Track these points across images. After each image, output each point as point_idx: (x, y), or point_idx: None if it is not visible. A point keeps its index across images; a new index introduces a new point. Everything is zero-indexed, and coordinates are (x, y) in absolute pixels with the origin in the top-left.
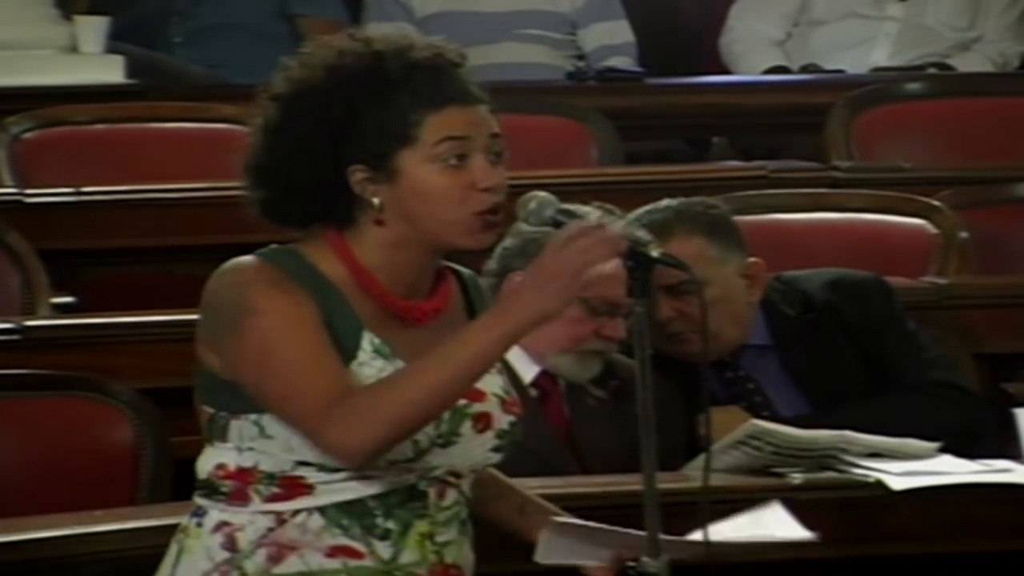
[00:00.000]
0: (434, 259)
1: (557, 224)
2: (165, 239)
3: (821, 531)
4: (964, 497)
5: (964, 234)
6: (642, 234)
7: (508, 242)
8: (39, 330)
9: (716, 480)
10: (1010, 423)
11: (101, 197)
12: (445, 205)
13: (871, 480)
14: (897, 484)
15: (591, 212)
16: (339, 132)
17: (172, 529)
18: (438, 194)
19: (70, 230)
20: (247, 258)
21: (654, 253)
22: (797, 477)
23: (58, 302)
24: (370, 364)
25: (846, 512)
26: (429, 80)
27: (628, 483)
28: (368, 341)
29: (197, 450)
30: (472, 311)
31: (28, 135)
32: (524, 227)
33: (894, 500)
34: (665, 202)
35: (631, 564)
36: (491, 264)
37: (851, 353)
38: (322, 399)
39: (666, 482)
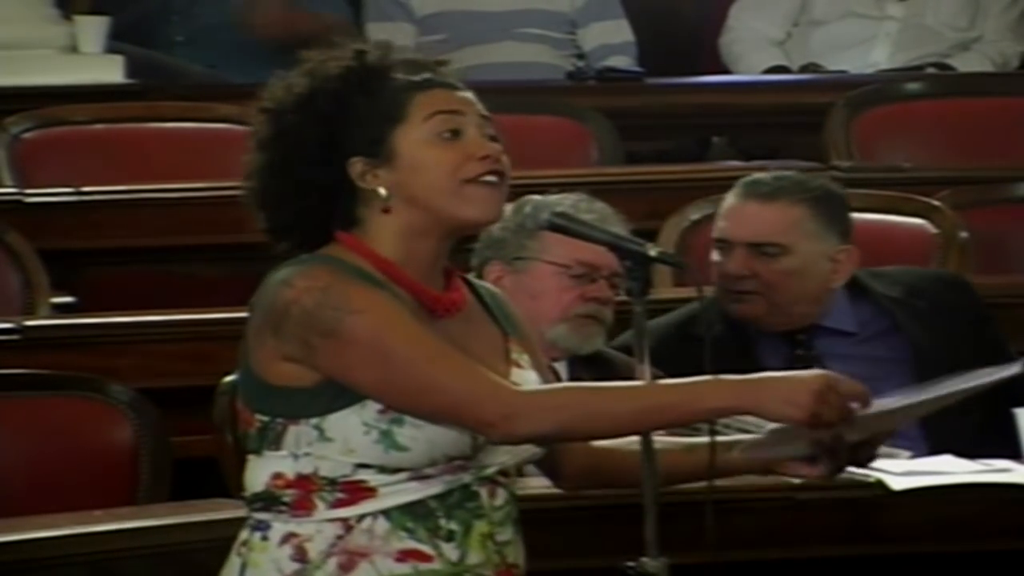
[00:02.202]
0: (445, 245)
1: (554, 227)
2: (165, 239)
3: (821, 531)
4: (964, 497)
5: (964, 234)
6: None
7: (483, 235)
8: (39, 330)
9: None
10: (1010, 423)
11: (101, 197)
12: (442, 176)
13: (871, 480)
14: (897, 484)
15: (592, 211)
16: (329, 126)
17: (172, 529)
18: (434, 166)
19: (70, 230)
20: (306, 265)
21: (651, 252)
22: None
23: (58, 302)
24: None
25: (846, 512)
26: (411, 69)
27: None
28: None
29: (197, 450)
30: (492, 315)
31: (28, 135)
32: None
33: (894, 500)
34: (793, 172)
35: (630, 564)
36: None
37: (966, 343)
38: (474, 380)
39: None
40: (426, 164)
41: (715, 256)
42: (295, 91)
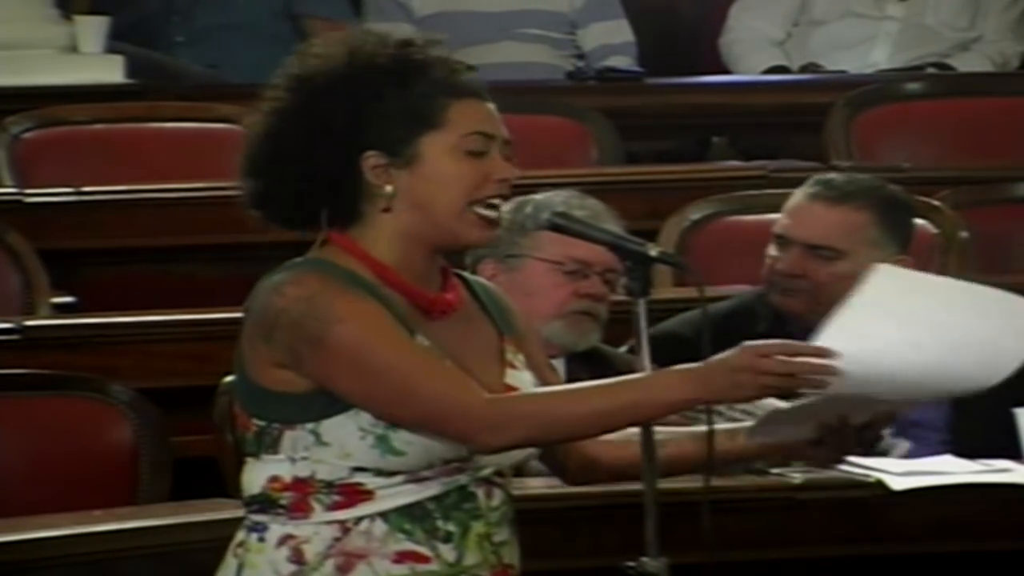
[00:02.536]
0: (438, 256)
1: (554, 227)
2: (165, 239)
3: (821, 531)
4: (964, 497)
5: (964, 234)
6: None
7: None
8: (39, 330)
9: (714, 480)
10: (1010, 423)
11: (101, 197)
12: (457, 191)
13: (871, 480)
14: (897, 484)
15: (584, 208)
16: (359, 114)
17: (172, 529)
18: (453, 180)
19: (70, 230)
20: (296, 271)
21: (652, 252)
22: (797, 477)
23: (58, 302)
24: None
25: (846, 512)
26: (449, 71)
27: (628, 483)
28: (419, 344)
29: (197, 450)
30: (489, 314)
31: (28, 135)
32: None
33: (894, 500)
34: (870, 176)
35: (630, 564)
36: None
37: None
38: (449, 392)
39: (666, 482)
40: (446, 176)
41: (771, 250)
42: (332, 69)
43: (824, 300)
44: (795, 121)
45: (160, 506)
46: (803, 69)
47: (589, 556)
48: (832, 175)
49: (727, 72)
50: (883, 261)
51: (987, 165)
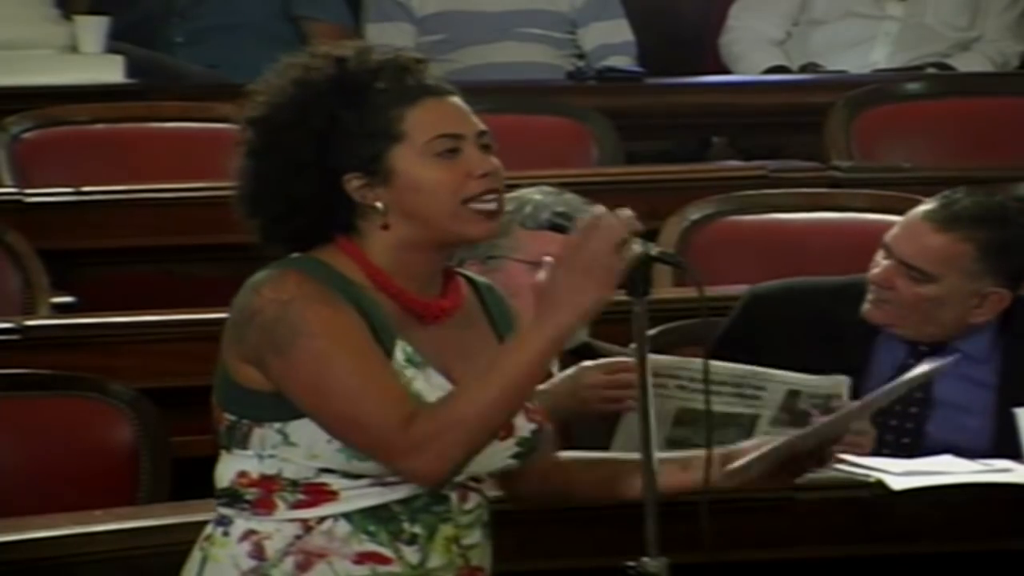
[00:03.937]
0: (443, 256)
1: (554, 227)
2: (165, 239)
3: (821, 531)
4: (964, 497)
5: None
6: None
7: None
8: (39, 330)
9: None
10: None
11: (101, 197)
12: (443, 197)
13: (871, 480)
14: (897, 484)
15: (589, 210)
16: (322, 141)
17: (172, 529)
18: (434, 187)
19: (70, 230)
20: (281, 271)
21: (652, 252)
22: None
23: (58, 302)
24: (402, 373)
25: (846, 512)
26: (396, 76)
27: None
28: (401, 350)
29: (197, 450)
30: (491, 317)
31: (28, 135)
32: None
33: (894, 500)
34: (1000, 198)
35: (630, 564)
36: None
37: None
38: (390, 426)
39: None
40: (425, 185)
41: (878, 255)
42: (284, 103)
43: (906, 316)
44: (795, 121)
45: (160, 506)
46: (803, 69)
47: (589, 556)
48: (960, 195)
49: (727, 72)
50: (976, 290)
51: (987, 165)
